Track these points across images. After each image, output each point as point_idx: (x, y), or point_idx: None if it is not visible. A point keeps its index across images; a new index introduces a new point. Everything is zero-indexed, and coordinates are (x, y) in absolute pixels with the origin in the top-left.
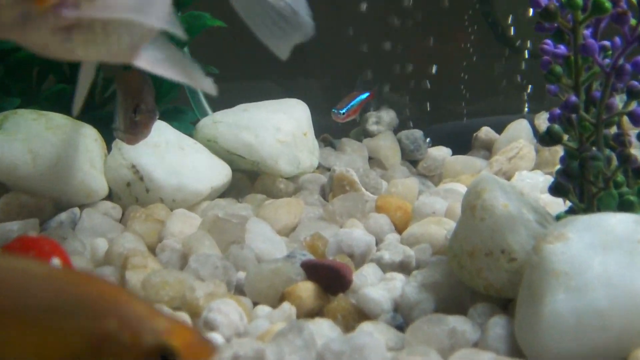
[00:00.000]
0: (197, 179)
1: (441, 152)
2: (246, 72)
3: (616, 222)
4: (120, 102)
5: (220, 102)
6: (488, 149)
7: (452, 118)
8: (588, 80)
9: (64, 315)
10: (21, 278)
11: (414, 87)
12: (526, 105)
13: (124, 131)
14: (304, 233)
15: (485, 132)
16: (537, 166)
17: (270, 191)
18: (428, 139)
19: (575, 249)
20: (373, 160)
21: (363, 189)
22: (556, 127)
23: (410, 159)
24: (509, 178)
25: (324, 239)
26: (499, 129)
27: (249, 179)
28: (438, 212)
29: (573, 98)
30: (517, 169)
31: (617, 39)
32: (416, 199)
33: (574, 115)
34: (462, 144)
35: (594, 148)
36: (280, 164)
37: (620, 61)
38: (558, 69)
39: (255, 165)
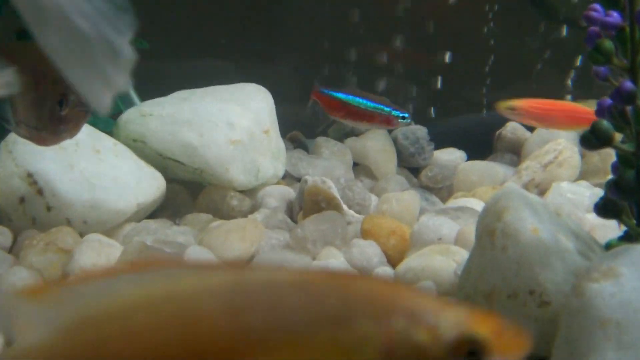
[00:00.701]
0: (118, 193)
1: (452, 157)
2: (188, 46)
3: None
4: (21, 85)
5: (152, 87)
6: (516, 153)
7: (468, 110)
8: None
9: (337, 325)
10: (270, 290)
11: (416, 67)
12: (569, 92)
13: (35, 127)
14: None
15: (512, 129)
16: (583, 176)
17: (218, 209)
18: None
19: (629, 289)
20: (359, 168)
21: (345, 207)
22: (604, 123)
23: (410, 166)
24: (543, 192)
25: None
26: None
27: (189, 192)
28: (445, 239)
29: (628, 84)
30: (555, 179)
31: None
32: (416, 220)
33: (629, 108)
34: (480, 146)
35: None
36: (233, 172)
37: None
38: (608, 44)
39: (198, 174)
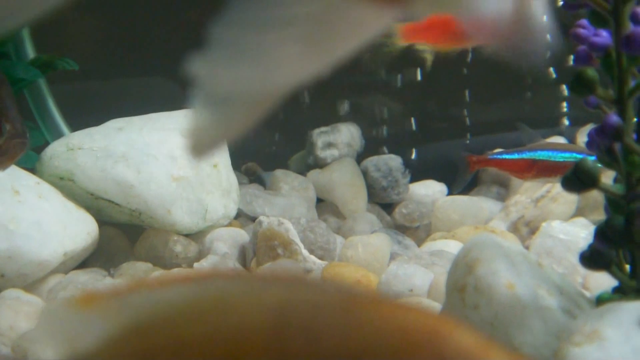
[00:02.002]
0: (41, 240)
1: (430, 191)
2: (126, 65)
3: None
4: None
5: (82, 114)
6: (503, 185)
7: (449, 136)
8: (638, 92)
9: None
10: (314, 314)
11: (389, 85)
12: (566, 114)
13: None
14: None
15: None
16: (580, 212)
17: (160, 256)
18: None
19: (615, 354)
20: (324, 205)
21: (304, 252)
22: (589, 162)
23: (383, 202)
24: (534, 231)
25: None
26: None
27: (127, 237)
28: (418, 290)
29: (613, 118)
30: (548, 216)
31: None
32: (387, 266)
33: (617, 144)
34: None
35: None
36: (176, 213)
37: None
38: (590, 73)
39: (136, 217)
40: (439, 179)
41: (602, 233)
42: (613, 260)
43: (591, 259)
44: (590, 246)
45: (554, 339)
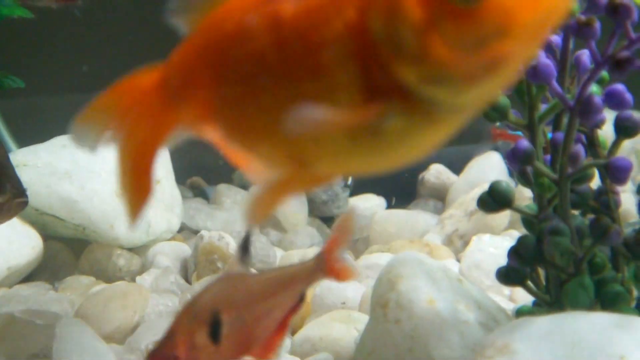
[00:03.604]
0: None
1: (369, 204)
2: (72, 82)
3: (588, 326)
4: None
5: (28, 132)
6: (440, 198)
7: None
8: (547, 117)
9: None
10: None
11: None
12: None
13: None
14: (148, 338)
15: (436, 172)
16: (512, 225)
17: (103, 270)
18: (349, 182)
19: None
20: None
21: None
22: (503, 184)
23: (323, 215)
24: (468, 244)
25: None
26: (458, 168)
27: (71, 251)
28: (350, 302)
29: (523, 143)
30: (482, 229)
31: (585, 59)
32: None
33: (529, 168)
34: (402, 191)
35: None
36: (119, 228)
37: (589, 90)
38: (503, 100)
39: (80, 231)
40: (378, 193)
41: (515, 251)
42: (527, 276)
43: (507, 275)
44: (507, 263)
45: (470, 352)
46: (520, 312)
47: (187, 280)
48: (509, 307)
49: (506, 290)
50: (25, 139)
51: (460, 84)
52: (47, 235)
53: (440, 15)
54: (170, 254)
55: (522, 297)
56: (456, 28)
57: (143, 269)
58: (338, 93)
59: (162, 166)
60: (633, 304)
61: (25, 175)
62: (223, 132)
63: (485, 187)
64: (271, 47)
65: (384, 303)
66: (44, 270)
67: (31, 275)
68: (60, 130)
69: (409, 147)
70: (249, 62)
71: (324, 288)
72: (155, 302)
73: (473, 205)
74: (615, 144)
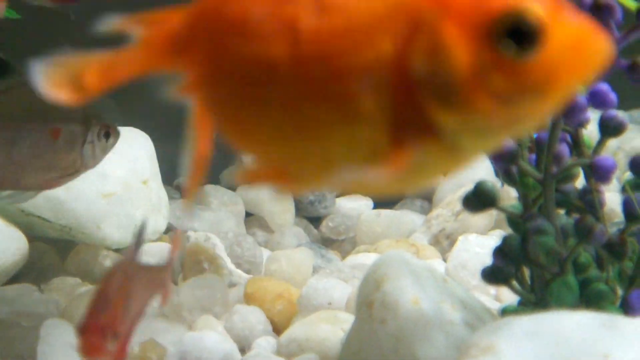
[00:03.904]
0: None
1: (356, 204)
2: None
3: (572, 325)
4: None
5: None
6: (427, 198)
7: None
8: None
9: None
10: None
11: None
12: None
13: None
14: (134, 339)
15: None
16: (497, 224)
17: (90, 271)
18: None
19: None
20: (253, 219)
21: (230, 266)
22: (488, 184)
23: (310, 215)
24: (454, 244)
25: (160, 348)
26: None
27: (58, 252)
28: (336, 303)
29: (509, 143)
30: (468, 229)
31: None
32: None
33: (514, 167)
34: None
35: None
36: (106, 229)
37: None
38: None
39: (67, 232)
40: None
41: (500, 251)
42: (511, 276)
43: (491, 274)
44: (492, 263)
45: (455, 352)
46: (505, 312)
47: (174, 281)
48: (495, 306)
49: (492, 289)
50: None
51: (494, 133)
52: (33, 236)
53: (488, 64)
54: (156, 255)
55: (508, 296)
56: (502, 80)
57: None
58: (360, 122)
59: (150, 167)
60: (617, 303)
61: None
62: (211, 113)
63: (471, 187)
64: (284, 57)
65: (369, 303)
66: (30, 272)
67: (16, 276)
68: None
69: (422, 178)
70: (249, 62)
71: (310, 289)
72: None
73: (460, 205)
74: (600, 143)
